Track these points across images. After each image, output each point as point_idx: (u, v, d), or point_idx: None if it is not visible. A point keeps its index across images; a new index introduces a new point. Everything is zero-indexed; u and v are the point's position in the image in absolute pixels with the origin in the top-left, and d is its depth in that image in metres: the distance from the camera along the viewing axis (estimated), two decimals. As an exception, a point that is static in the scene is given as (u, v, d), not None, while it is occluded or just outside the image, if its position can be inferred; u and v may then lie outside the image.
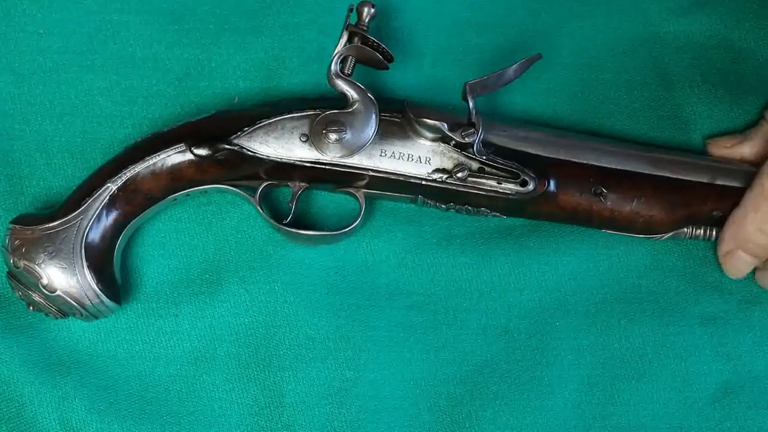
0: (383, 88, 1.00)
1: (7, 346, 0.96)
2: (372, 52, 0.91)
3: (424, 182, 0.92)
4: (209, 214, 1.00)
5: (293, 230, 0.95)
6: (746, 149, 0.98)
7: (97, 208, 0.92)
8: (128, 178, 0.92)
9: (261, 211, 0.95)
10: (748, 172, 0.95)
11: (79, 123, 1.00)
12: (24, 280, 0.92)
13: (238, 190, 0.95)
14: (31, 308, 0.94)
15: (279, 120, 0.92)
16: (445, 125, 0.90)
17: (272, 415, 0.98)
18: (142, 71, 1.00)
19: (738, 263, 0.96)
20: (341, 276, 1.00)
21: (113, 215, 0.93)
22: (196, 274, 0.99)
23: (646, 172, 0.95)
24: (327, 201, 1.01)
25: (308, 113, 0.92)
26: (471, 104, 0.90)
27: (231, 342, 0.99)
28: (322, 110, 0.92)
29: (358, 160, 0.92)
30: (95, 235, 0.92)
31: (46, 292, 0.91)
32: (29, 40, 1.00)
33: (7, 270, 0.94)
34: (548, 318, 1.00)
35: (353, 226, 0.95)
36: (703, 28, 1.04)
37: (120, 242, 0.94)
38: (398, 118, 0.93)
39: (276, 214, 0.99)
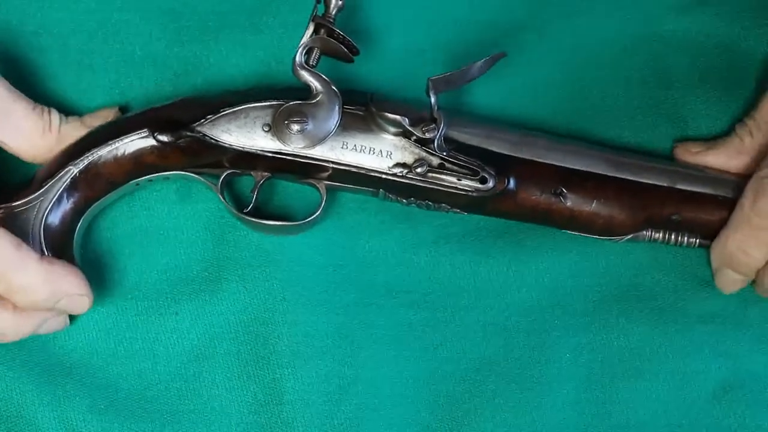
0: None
1: (7, 345, 0.96)
2: (337, 44, 0.91)
3: (384, 176, 0.92)
4: (209, 213, 1.00)
5: (253, 219, 0.95)
6: (710, 158, 0.98)
7: (58, 191, 0.92)
8: (90, 162, 0.92)
9: (223, 199, 0.95)
10: (712, 177, 0.96)
11: (79, 123, 1.00)
12: None
13: (200, 178, 0.95)
14: None
15: (242, 109, 0.92)
16: (407, 120, 0.90)
17: (272, 412, 0.98)
18: (141, 69, 1.00)
19: (726, 280, 0.96)
20: (339, 274, 1.00)
21: (74, 198, 0.92)
22: (195, 272, 1.00)
23: (607, 173, 0.94)
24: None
25: (272, 103, 0.92)
26: (433, 100, 0.90)
27: (230, 339, 0.99)
28: (285, 101, 0.92)
29: (320, 152, 0.92)
30: (55, 218, 0.92)
31: None
32: (29, 40, 1.00)
33: None
34: (546, 316, 1.00)
35: (313, 217, 0.95)
36: (703, 27, 1.03)
37: (80, 225, 0.94)
38: (362, 111, 0.93)
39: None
